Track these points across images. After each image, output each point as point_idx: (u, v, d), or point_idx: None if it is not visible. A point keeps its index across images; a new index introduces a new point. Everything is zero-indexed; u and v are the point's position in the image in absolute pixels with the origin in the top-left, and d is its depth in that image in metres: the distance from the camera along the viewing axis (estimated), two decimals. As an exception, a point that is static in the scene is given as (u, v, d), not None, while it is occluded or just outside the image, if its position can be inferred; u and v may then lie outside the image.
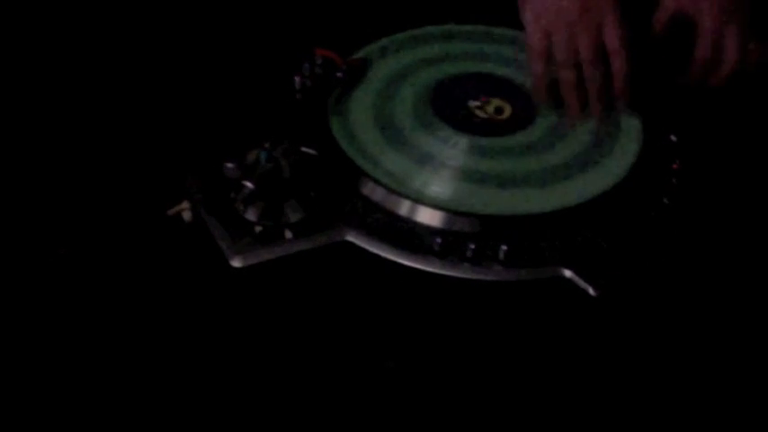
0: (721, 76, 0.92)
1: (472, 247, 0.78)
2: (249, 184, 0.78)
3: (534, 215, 0.81)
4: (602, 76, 0.86)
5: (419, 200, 0.81)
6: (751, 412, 0.71)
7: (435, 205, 0.81)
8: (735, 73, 0.91)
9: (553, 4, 0.86)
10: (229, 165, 0.79)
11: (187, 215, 0.80)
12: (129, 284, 0.76)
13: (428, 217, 0.81)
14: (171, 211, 0.80)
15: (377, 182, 0.83)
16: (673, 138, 0.90)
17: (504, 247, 0.77)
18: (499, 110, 0.90)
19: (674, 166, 0.87)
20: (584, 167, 0.86)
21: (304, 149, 0.83)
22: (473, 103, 0.90)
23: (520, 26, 0.92)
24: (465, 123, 0.88)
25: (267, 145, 0.79)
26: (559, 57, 0.87)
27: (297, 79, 0.92)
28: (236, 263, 0.77)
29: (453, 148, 0.86)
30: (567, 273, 0.77)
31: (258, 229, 0.79)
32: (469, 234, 0.80)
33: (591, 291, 0.76)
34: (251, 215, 0.79)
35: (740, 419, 0.71)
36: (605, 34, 0.86)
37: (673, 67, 0.92)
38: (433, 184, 0.83)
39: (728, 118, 0.94)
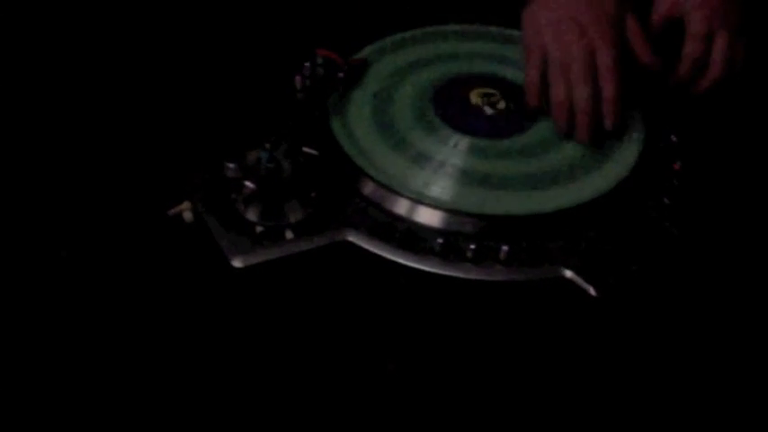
0: (708, 79, 0.92)
1: (473, 247, 0.78)
2: (250, 185, 0.78)
3: (535, 215, 0.81)
4: (590, 97, 0.85)
5: (420, 200, 0.82)
6: (751, 412, 0.71)
7: (436, 205, 0.81)
8: (721, 78, 0.92)
9: (550, 24, 0.88)
10: (230, 165, 0.79)
11: (188, 215, 0.80)
12: (131, 285, 0.76)
13: (429, 217, 0.81)
14: (172, 212, 0.80)
15: (377, 182, 0.83)
16: (674, 138, 0.90)
17: (505, 248, 0.77)
18: (498, 101, 0.90)
19: (675, 166, 0.87)
20: (585, 168, 0.86)
21: (305, 149, 0.83)
22: (476, 93, 0.90)
23: (519, 26, 0.92)
24: (466, 123, 0.88)
25: (268, 145, 0.79)
26: (552, 73, 0.87)
27: (298, 79, 0.93)
28: (237, 263, 0.77)
29: (454, 149, 0.86)
30: (568, 273, 0.78)
31: (259, 229, 0.79)
32: (470, 234, 0.80)
33: (591, 291, 0.77)
34: (252, 215, 0.79)
35: (740, 419, 0.71)
36: (598, 56, 0.86)
37: (666, 70, 0.93)
38: (433, 185, 0.83)
39: (729, 118, 0.94)
